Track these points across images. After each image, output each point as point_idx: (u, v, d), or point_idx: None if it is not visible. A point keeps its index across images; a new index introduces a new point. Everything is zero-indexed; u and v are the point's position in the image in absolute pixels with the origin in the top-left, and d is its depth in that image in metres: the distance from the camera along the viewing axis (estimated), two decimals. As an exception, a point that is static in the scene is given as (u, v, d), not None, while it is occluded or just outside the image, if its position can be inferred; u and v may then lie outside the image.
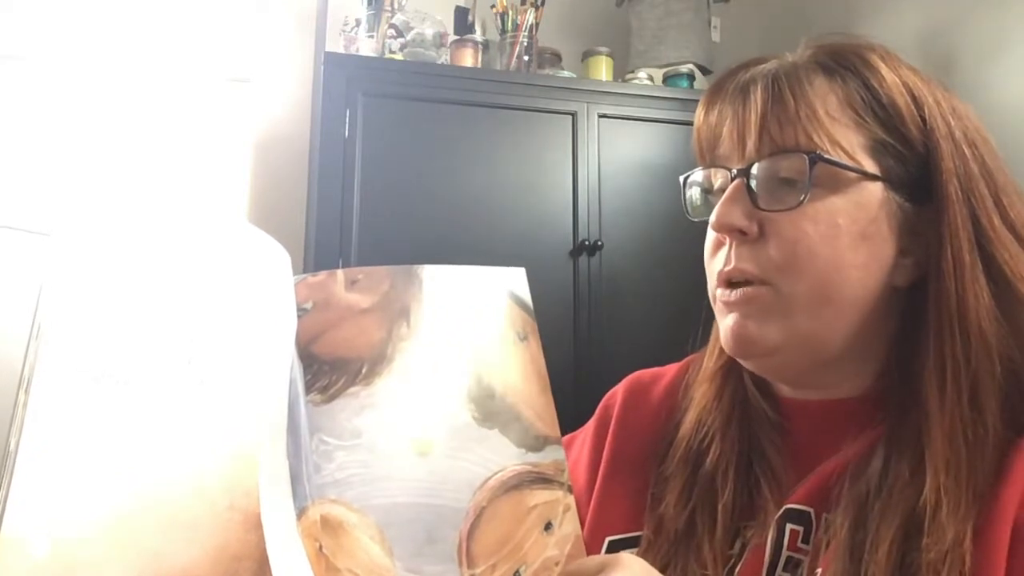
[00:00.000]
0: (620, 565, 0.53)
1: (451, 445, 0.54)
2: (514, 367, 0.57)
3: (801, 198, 0.60)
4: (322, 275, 0.53)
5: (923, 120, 0.61)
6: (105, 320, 0.46)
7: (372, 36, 2.17)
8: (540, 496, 0.56)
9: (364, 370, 0.53)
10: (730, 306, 0.64)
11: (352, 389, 0.52)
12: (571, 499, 0.57)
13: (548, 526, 0.56)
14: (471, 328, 0.57)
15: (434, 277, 0.56)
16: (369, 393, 0.53)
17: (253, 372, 0.49)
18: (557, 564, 0.55)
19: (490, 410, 0.56)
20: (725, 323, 0.65)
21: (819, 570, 0.58)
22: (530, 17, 2.27)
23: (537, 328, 0.59)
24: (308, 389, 0.51)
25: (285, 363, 0.49)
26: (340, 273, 0.54)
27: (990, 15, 1.93)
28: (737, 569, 0.62)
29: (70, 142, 2.26)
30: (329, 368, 0.52)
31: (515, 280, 0.59)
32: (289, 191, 2.37)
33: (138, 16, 2.37)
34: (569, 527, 0.57)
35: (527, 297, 0.59)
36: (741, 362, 0.67)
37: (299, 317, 0.51)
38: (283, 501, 0.46)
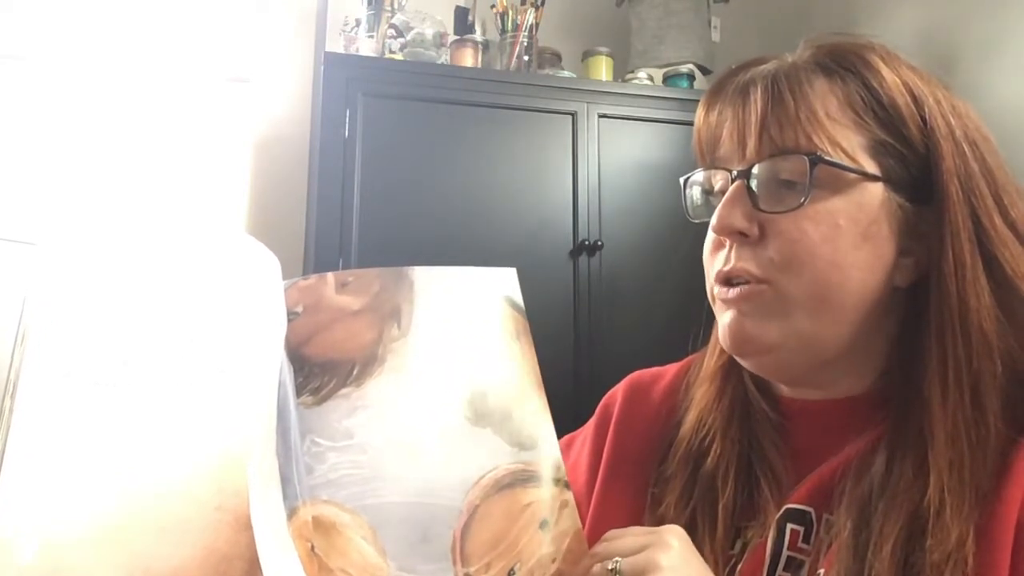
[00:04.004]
0: (664, 544, 0.53)
1: (444, 444, 0.54)
2: (506, 366, 0.57)
3: (801, 199, 0.60)
4: (312, 278, 0.53)
5: (923, 120, 0.61)
6: (91, 325, 0.46)
7: (372, 36, 2.17)
8: (534, 494, 0.56)
9: (355, 371, 0.53)
10: (728, 303, 0.64)
11: (343, 390, 0.52)
12: (569, 495, 0.57)
13: (543, 523, 0.56)
14: (462, 328, 0.57)
15: (425, 278, 0.56)
16: (361, 394, 0.53)
17: (241, 375, 0.49)
18: (554, 561, 0.55)
19: (483, 409, 0.56)
20: (723, 320, 0.64)
21: (821, 570, 0.58)
22: (530, 17, 2.27)
23: (529, 327, 0.59)
24: (299, 391, 0.51)
25: (274, 366, 0.49)
26: (330, 276, 0.54)
27: (990, 15, 1.92)
28: (738, 569, 0.62)
29: (69, 143, 2.26)
30: (320, 370, 0.52)
31: (506, 280, 0.59)
32: (289, 191, 2.37)
33: (138, 16, 2.37)
34: (567, 523, 0.57)
35: (518, 297, 0.59)
36: (739, 360, 0.67)
37: (290, 321, 0.51)
38: (273, 502, 0.46)
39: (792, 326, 0.61)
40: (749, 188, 0.62)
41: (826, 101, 0.61)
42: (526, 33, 2.26)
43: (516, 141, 2.12)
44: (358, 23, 2.23)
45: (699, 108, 0.68)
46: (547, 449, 0.57)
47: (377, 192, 2.00)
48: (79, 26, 2.33)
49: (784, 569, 0.61)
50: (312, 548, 0.48)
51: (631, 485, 0.71)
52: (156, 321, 0.48)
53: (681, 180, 0.70)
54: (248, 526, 0.45)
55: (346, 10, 2.30)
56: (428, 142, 2.06)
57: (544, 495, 0.56)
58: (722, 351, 0.69)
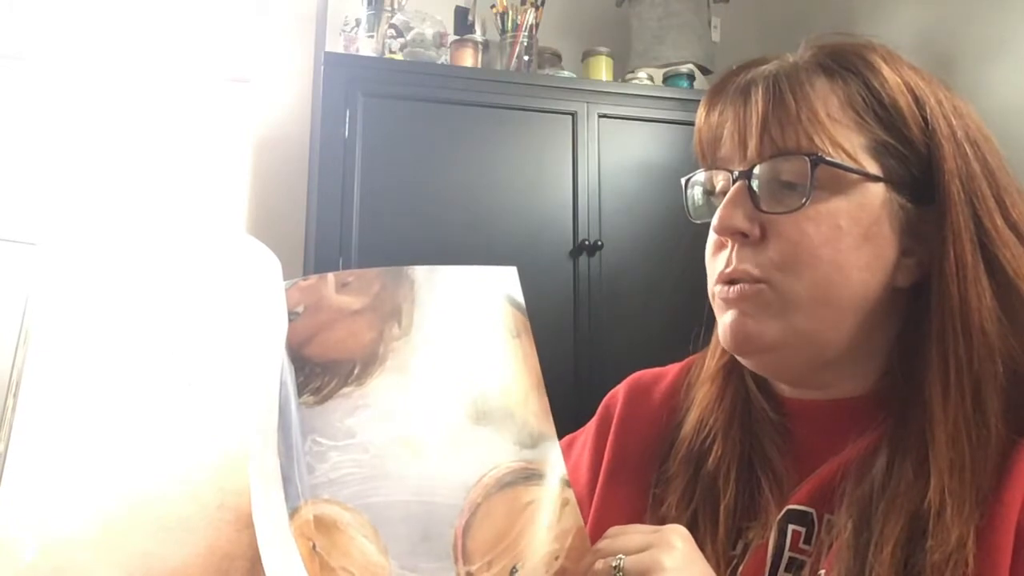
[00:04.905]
0: (668, 544, 0.53)
1: (445, 443, 0.54)
2: (507, 365, 0.57)
3: (803, 200, 0.60)
4: (313, 279, 0.54)
5: (925, 120, 0.61)
6: (94, 325, 0.46)
7: (372, 36, 2.17)
8: (536, 492, 0.56)
9: (356, 371, 0.53)
10: (729, 303, 0.64)
11: (345, 390, 0.52)
12: (570, 493, 0.57)
13: (545, 521, 0.56)
14: (463, 327, 0.57)
15: (425, 277, 0.57)
16: (362, 393, 0.53)
17: (242, 375, 0.49)
18: (556, 558, 0.56)
19: (484, 408, 0.56)
20: (724, 320, 0.64)
21: (822, 571, 0.58)
22: (530, 17, 2.27)
23: (529, 326, 0.59)
24: (300, 391, 0.51)
25: (275, 366, 0.49)
26: (331, 276, 0.54)
27: (990, 15, 1.92)
28: (740, 570, 0.62)
29: (69, 144, 2.26)
30: (321, 370, 0.52)
31: (506, 279, 0.59)
32: (289, 191, 2.37)
33: (138, 16, 2.37)
34: (569, 520, 0.57)
35: (519, 295, 0.59)
36: (740, 359, 0.67)
37: (290, 321, 0.51)
38: (275, 501, 0.46)
39: (793, 325, 0.61)
40: (750, 189, 0.62)
41: (827, 101, 0.61)
42: (526, 33, 2.26)
43: (516, 141, 2.12)
44: (358, 23, 2.22)
45: (700, 108, 0.68)
46: (548, 447, 0.57)
47: (377, 192, 2.00)
48: (79, 26, 2.33)
49: (785, 570, 0.61)
50: (314, 547, 0.48)
51: (633, 486, 0.71)
52: (158, 321, 0.48)
53: (682, 181, 0.70)
54: (249, 525, 0.45)
55: (346, 10, 2.30)
56: (428, 142, 2.06)
57: (546, 493, 0.56)
58: (723, 351, 0.69)
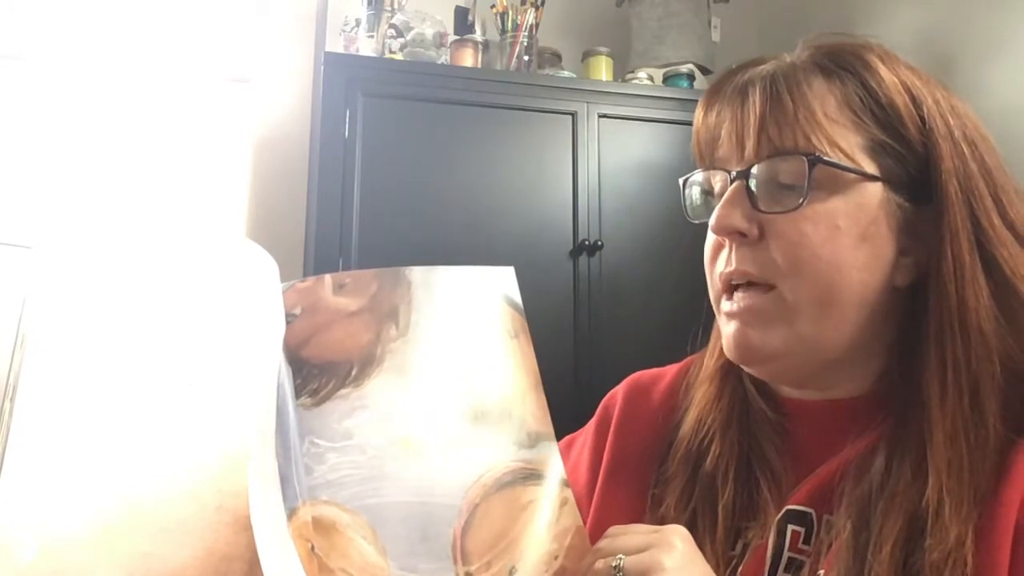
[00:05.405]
0: (668, 544, 0.53)
1: (443, 444, 0.54)
2: (505, 365, 0.57)
3: (800, 200, 0.60)
4: (310, 280, 0.54)
5: (922, 120, 0.61)
6: (91, 328, 0.46)
7: (372, 36, 2.17)
8: (534, 492, 0.56)
9: (354, 372, 0.53)
10: (732, 316, 0.64)
11: (342, 391, 0.53)
12: (568, 492, 0.57)
13: (544, 521, 0.56)
14: (461, 327, 0.57)
15: (423, 278, 0.57)
16: (360, 395, 0.53)
17: (240, 377, 0.49)
18: (556, 558, 0.56)
19: (482, 408, 0.56)
20: (727, 331, 0.64)
21: (821, 571, 0.58)
22: (530, 17, 2.27)
23: (527, 326, 0.59)
24: (298, 393, 0.51)
25: (272, 368, 0.49)
26: (328, 278, 0.54)
27: (990, 15, 1.92)
28: (739, 570, 0.62)
29: (69, 144, 2.26)
30: (319, 371, 0.52)
31: (504, 279, 0.59)
32: (289, 191, 2.37)
33: (138, 16, 2.37)
34: (568, 520, 0.57)
35: (516, 296, 0.59)
36: (744, 368, 0.67)
37: (288, 323, 0.52)
38: (273, 502, 0.46)
39: (795, 332, 0.61)
40: (748, 189, 0.62)
41: (824, 101, 0.61)
42: (526, 33, 2.26)
43: (516, 141, 2.12)
44: (358, 23, 2.23)
45: (698, 109, 0.68)
46: (547, 447, 0.57)
47: (377, 192, 2.00)
48: (79, 26, 2.33)
49: (785, 570, 0.61)
50: (312, 548, 0.48)
51: (632, 486, 0.71)
52: (156, 323, 0.48)
53: (680, 181, 0.70)
54: (248, 527, 0.45)
55: (346, 10, 2.30)
56: (428, 142, 2.06)
57: (544, 493, 0.56)
58: (722, 352, 0.69)
